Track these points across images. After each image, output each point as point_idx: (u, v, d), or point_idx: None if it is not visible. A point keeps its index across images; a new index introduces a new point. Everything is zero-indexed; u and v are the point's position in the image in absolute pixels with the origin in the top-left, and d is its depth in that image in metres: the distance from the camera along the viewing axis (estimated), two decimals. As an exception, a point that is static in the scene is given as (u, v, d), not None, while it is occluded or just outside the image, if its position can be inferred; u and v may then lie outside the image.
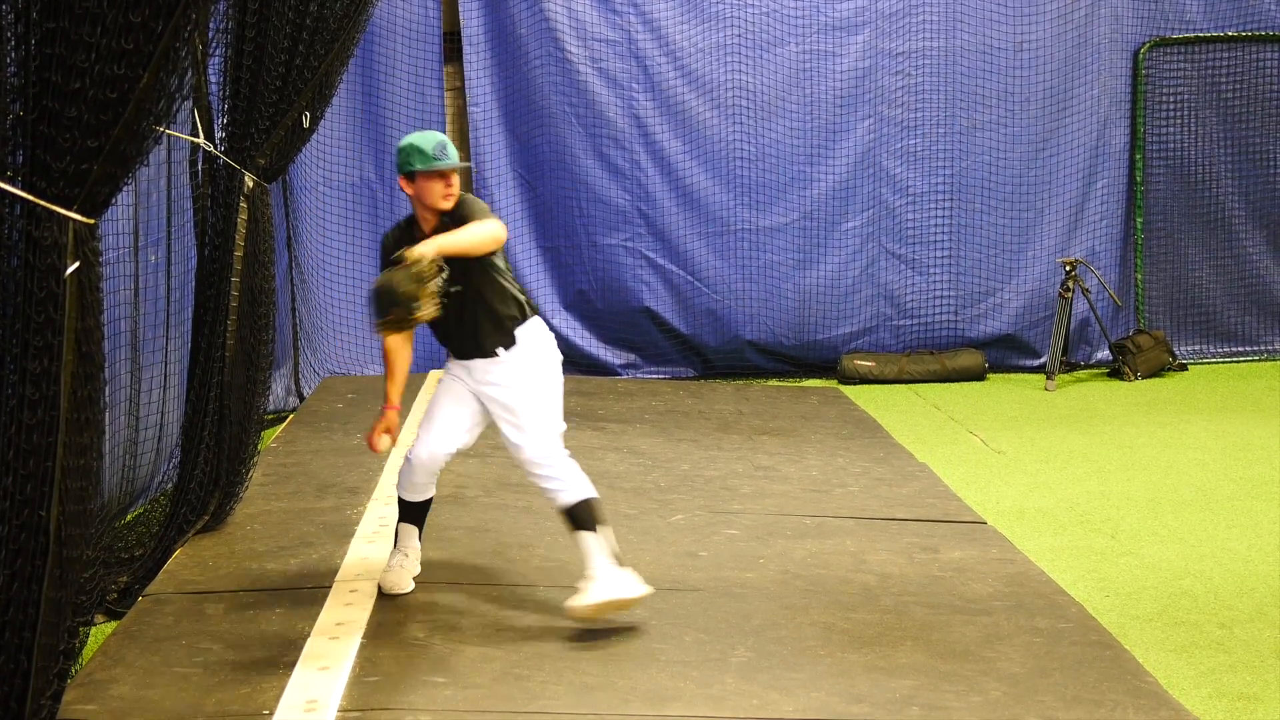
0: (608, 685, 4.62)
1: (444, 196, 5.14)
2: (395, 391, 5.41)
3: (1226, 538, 6.66)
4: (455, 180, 5.18)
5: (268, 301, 6.49)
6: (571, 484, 5.20)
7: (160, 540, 6.01)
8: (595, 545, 5.17)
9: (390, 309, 4.82)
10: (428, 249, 4.89)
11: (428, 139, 5.16)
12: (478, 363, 5.30)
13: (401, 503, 5.54)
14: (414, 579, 5.53)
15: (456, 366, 5.39)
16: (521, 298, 5.35)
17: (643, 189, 11.00)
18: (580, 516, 5.19)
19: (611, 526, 5.30)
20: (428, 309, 4.86)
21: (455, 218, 5.15)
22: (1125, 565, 6.26)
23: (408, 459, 5.43)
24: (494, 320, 5.25)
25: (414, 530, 5.57)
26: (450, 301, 5.07)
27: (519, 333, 5.29)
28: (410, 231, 5.27)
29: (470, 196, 5.30)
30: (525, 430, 5.23)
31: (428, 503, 5.55)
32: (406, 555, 5.54)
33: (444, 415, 5.38)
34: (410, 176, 5.14)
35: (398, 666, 4.72)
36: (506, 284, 5.30)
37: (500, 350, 5.27)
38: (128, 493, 6.60)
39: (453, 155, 5.18)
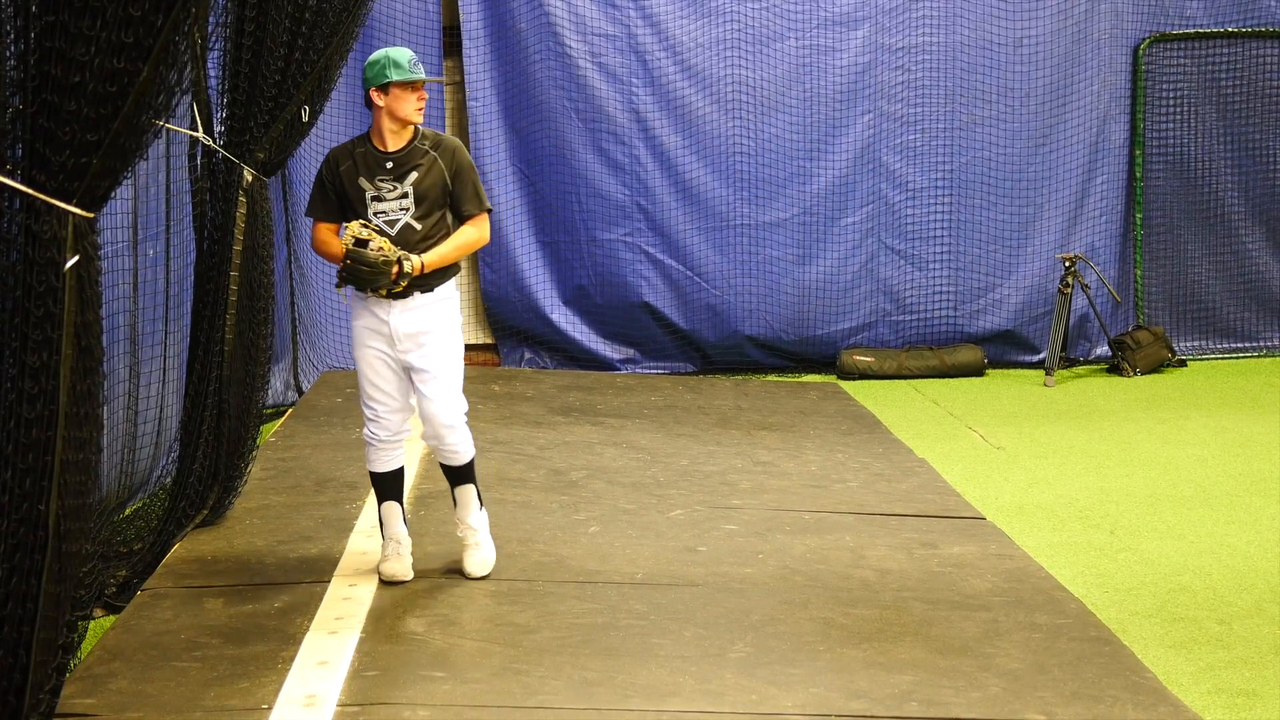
0: (606, 680, 4.62)
1: (416, 110, 5.24)
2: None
3: (1225, 534, 6.66)
4: (424, 95, 5.29)
5: (266, 296, 6.49)
6: (463, 445, 5.48)
7: (159, 534, 6.01)
8: (475, 498, 5.57)
9: (355, 283, 5.18)
10: (415, 264, 5.16)
11: (402, 52, 5.25)
12: (392, 302, 5.30)
13: (374, 477, 5.55)
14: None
15: (364, 308, 5.34)
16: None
17: (642, 184, 10.99)
18: (467, 473, 5.55)
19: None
20: (385, 285, 5.19)
21: (446, 163, 5.25)
22: (1124, 561, 6.26)
23: (366, 440, 5.49)
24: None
25: (397, 511, 5.55)
26: (402, 233, 5.25)
27: (440, 288, 5.37)
28: (370, 147, 5.29)
29: (468, 159, 5.37)
30: (439, 383, 5.35)
31: (400, 472, 5.57)
32: (398, 542, 5.54)
33: (375, 386, 5.40)
34: (384, 89, 5.20)
35: (396, 661, 4.72)
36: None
37: (417, 293, 5.31)
38: (127, 487, 6.60)
39: (423, 70, 5.31)
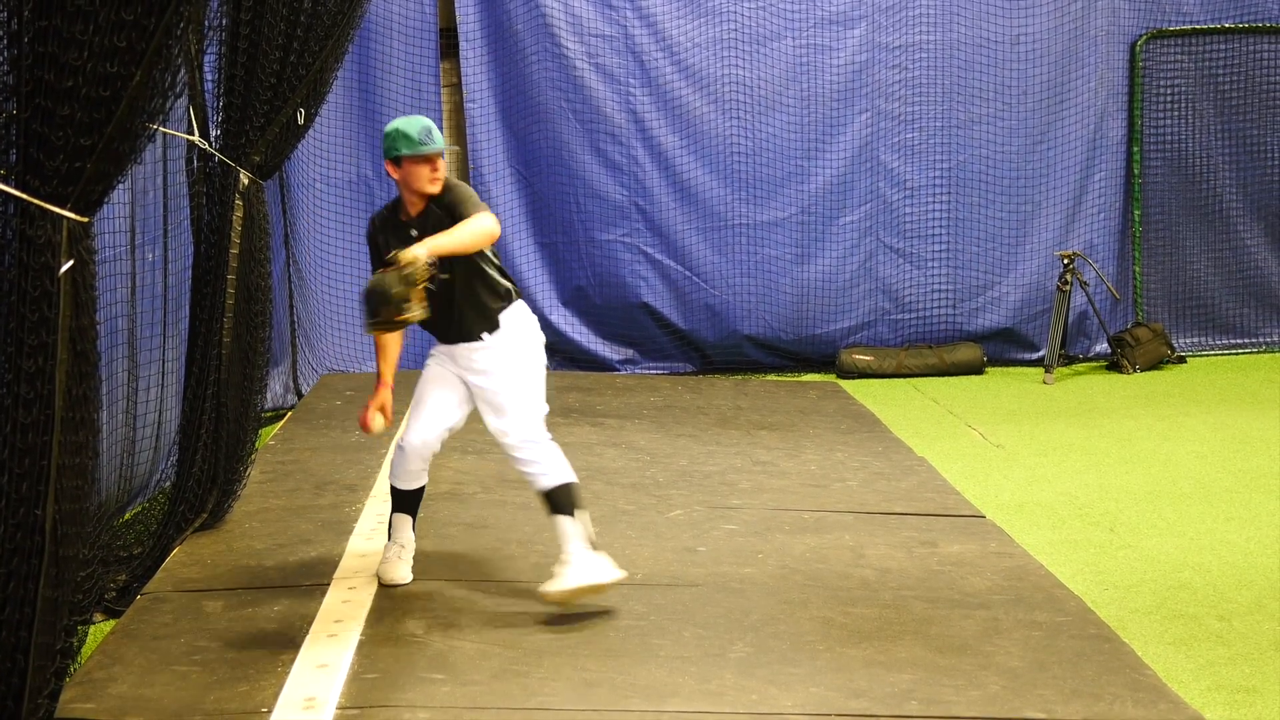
0: (606, 681, 4.62)
1: (430, 180, 5.18)
2: (388, 370, 5.49)
3: (1225, 530, 6.66)
4: (441, 164, 5.22)
5: (264, 299, 6.49)
6: (552, 468, 5.26)
7: (158, 538, 6.01)
8: (571, 529, 5.22)
9: (380, 310, 4.84)
10: (421, 251, 4.90)
11: (413, 123, 5.19)
12: (461, 348, 5.36)
13: (395, 492, 5.58)
14: (412, 573, 5.53)
15: (440, 351, 5.45)
16: (506, 283, 5.39)
17: (640, 184, 10.98)
18: (559, 500, 5.26)
19: (589, 512, 5.38)
20: (417, 310, 4.88)
21: (444, 205, 5.19)
22: (1124, 558, 6.26)
23: (400, 447, 5.48)
24: (478, 307, 5.30)
25: (408, 521, 5.59)
26: (436, 289, 5.10)
27: (503, 317, 5.34)
28: (396, 216, 5.31)
29: (459, 184, 5.33)
30: (508, 414, 5.29)
31: (421, 491, 5.59)
32: (403, 547, 5.56)
33: (432, 399, 5.43)
34: (396, 161, 5.17)
35: (396, 663, 4.72)
36: (491, 270, 5.34)
37: (485, 335, 5.32)
38: (126, 491, 6.59)
39: (438, 139, 5.22)
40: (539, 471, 5.26)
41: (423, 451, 5.44)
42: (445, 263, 5.09)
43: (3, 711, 3.48)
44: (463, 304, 5.28)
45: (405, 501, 5.58)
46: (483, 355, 5.34)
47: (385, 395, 5.46)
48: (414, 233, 5.19)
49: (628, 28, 10.87)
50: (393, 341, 5.49)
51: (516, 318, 5.40)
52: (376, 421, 5.43)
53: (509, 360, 5.34)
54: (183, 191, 6.52)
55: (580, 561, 5.17)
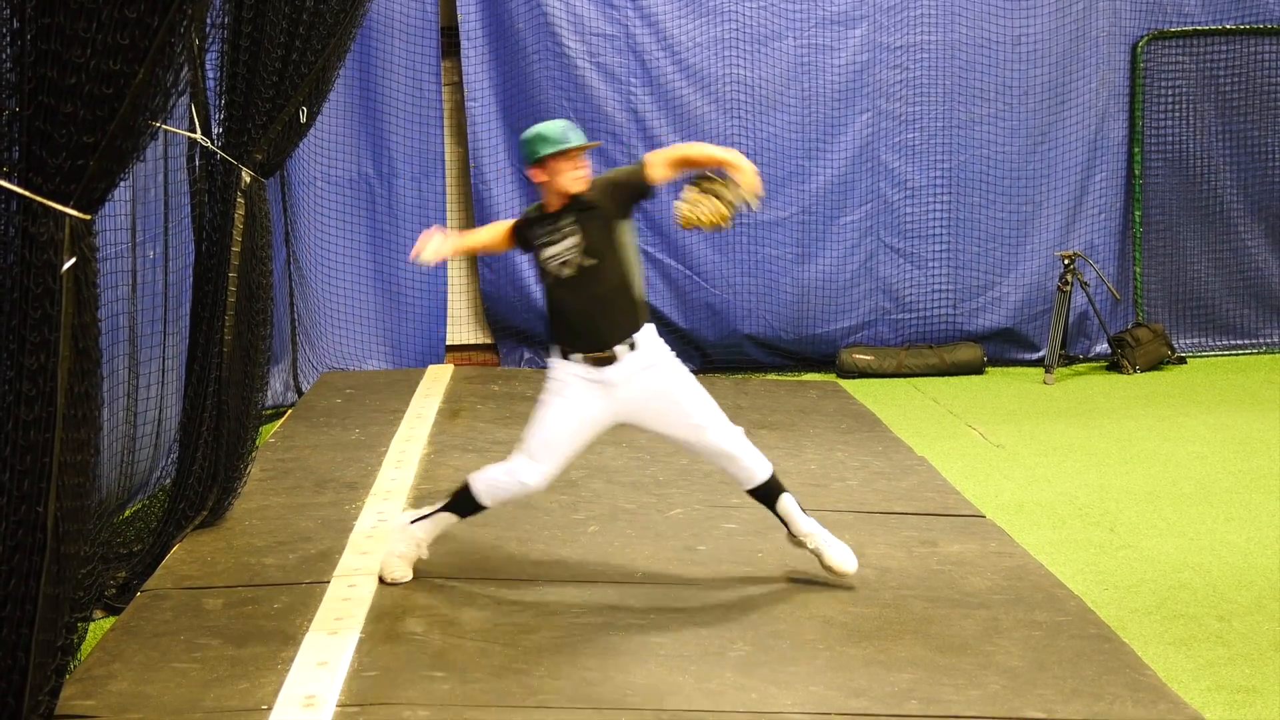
0: (606, 680, 4.62)
1: (575, 179, 5.21)
2: (475, 248, 5.61)
3: (1225, 531, 6.67)
4: (585, 161, 5.25)
5: (265, 297, 6.49)
6: (758, 458, 5.43)
7: (159, 536, 6.01)
8: (799, 510, 5.47)
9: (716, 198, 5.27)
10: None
11: (551, 125, 5.25)
12: (610, 370, 5.22)
13: (471, 503, 5.40)
14: (413, 571, 5.54)
15: (579, 377, 5.25)
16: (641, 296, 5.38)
17: (641, 183, 10.97)
18: (778, 485, 5.44)
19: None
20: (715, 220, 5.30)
21: (603, 191, 5.22)
22: (1124, 558, 6.26)
23: (518, 480, 5.29)
24: (624, 308, 5.25)
25: (449, 523, 5.49)
26: (584, 276, 5.17)
27: (643, 328, 5.32)
28: (542, 211, 5.34)
29: (606, 172, 5.36)
30: (702, 410, 5.36)
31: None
32: (419, 548, 5.49)
33: (569, 438, 5.28)
34: (539, 164, 5.19)
35: (396, 661, 4.72)
36: (638, 275, 5.35)
37: (636, 337, 5.25)
38: (126, 488, 6.60)
39: (580, 135, 5.24)
40: (750, 464, 5.38)
41: (534, 490, 5.36)
42: (596, 249, 5.16)
43: (4, 708, 3.48)
44: (615, 295, 5.24)
45: (470, 511, 5.45)
46: (641, 369, 5.26)
47: (452, 247, 5.46)
48: (565, 222, 5.21)
49: (629, 27, 10.87)
50: (487, 243, 5.58)
51: (650, 336, 5.36)
52: (430, 251, 5.33)
53: (668, 362, 5.34)
54: (184, 189, 6.53)
55: (833, 539, 5.48)
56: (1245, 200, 11.59)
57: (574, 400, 5.27)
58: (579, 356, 5.24)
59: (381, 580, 5.46)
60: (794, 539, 5.55)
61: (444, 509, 5.52)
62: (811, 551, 5.51)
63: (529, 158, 5.22)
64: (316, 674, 4.56)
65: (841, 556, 5.49)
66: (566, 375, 5.28)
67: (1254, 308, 11.72)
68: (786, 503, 5.47)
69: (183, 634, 4.96)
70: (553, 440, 5.29)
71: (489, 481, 5.39)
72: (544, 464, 5.30)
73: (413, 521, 5.59)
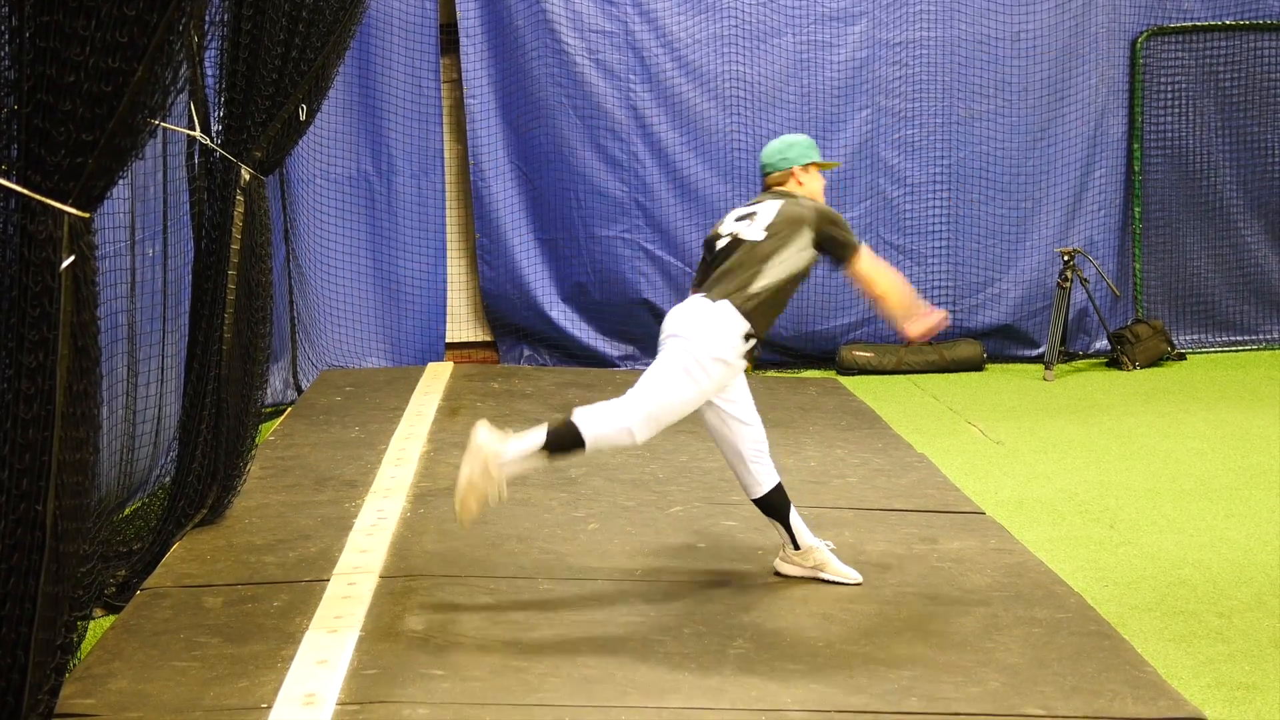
0: (606, 677, 4.62)
1: (823, 190, 5.63)
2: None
3: (1225, 527, 6.67)
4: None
5: (265, 295, 6.48)
6: (771, 468, 5.51)
7: (158, 534, 6.01)
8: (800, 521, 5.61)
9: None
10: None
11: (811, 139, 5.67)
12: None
13: (574, 436, 5.00)
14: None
15: (737, 364, 5.31)
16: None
17: (640, 181, 10.98)
18: (783, 494, 5.55)
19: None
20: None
21: (820, 218, 5.38)
22: (1124, 555, 6.26)
23: (632, 438, 5.08)
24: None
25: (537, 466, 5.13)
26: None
27: None
28: None
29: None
30: (755, 417, 5.49)
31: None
32: (503, 489, 5.00)
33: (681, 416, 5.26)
34: (805, 168, 5.54)
35: (396, 659, 4.72)
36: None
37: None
38: (125, 486, 6.60)
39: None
40: (767, 473, 5.45)
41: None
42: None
43: (3, 706, 3.48)
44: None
45: (570, 447, 5.06)
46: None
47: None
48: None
49: (628, 23, 10.86)
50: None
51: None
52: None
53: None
54: (183, 187, 6.52)
55: (830, 555, 5.60)
56: (1245, 196, 11.59)
57: (715, 386, 5.26)
58: (756, 341, 5.33)
59: (460, 521, 5.07)
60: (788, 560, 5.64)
61: (543, 448, 5.02)
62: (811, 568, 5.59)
63: (799, 159, 5.53)
64: (316, 672, 4.56)
65: (850, 576, 5.59)
66: (733, 359, 5.22)
67: (1254, 304, 11.72)
68: (796, 515, 5.59)
69: (182, 632, 4.96)
70: (678, 417, 5.20)
71: (597, 425, 5.06)
72: (656, 432, 5.17)
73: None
